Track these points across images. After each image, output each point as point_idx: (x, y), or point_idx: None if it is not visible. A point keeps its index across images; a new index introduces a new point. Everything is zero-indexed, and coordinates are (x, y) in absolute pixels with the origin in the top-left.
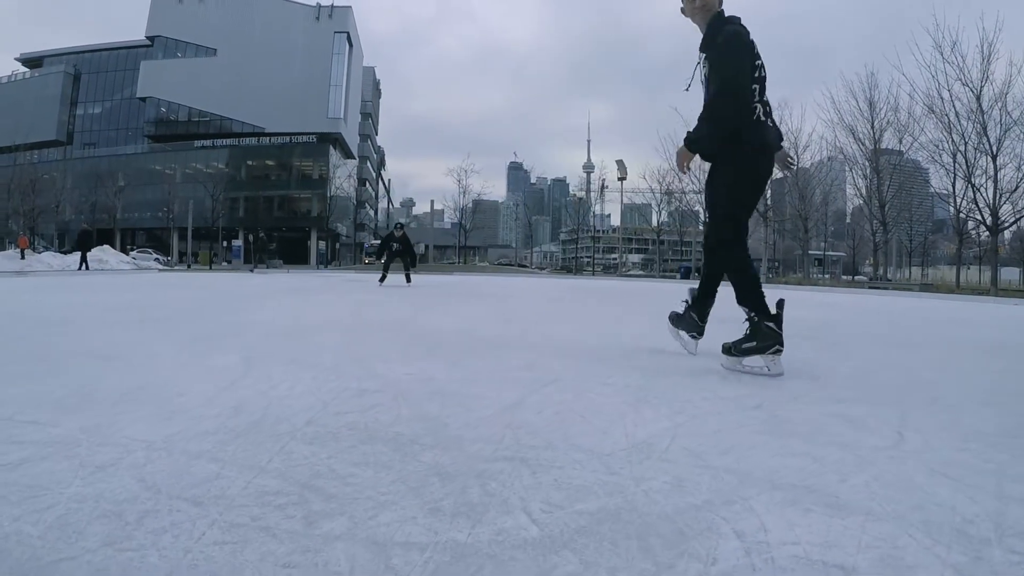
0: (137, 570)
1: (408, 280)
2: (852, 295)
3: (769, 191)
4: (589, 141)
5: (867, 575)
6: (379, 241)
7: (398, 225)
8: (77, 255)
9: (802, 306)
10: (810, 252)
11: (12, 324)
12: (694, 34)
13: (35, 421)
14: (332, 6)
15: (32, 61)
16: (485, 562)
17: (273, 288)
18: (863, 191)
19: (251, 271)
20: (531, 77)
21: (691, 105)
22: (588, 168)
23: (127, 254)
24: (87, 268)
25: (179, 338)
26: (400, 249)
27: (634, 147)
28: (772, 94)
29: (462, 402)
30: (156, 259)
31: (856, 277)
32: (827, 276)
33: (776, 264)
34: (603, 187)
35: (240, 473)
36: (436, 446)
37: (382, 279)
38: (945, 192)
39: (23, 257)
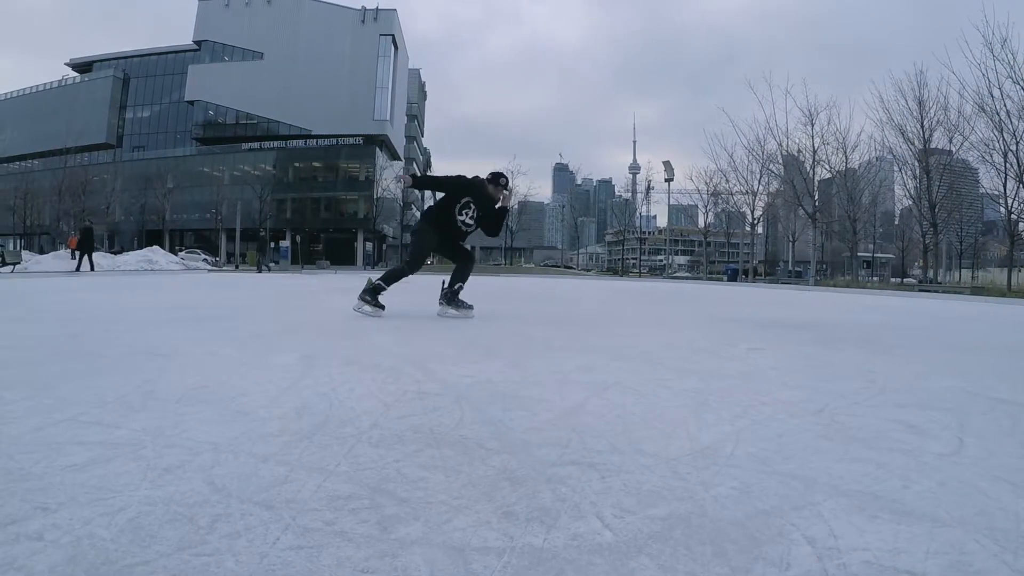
0: (214, 575)
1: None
2: (902, 298)
3: (817, 192)
4: (635, 142)
5: None
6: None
7: None
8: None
9: (855, 309)
10: (859, 254)
11: (66, 322)
12: (736, 32)
13: (99, 421)
14: (377, 9)
15: (82, 66)
16: (565, 567)
17: (324, 288)
18: (912, 192)
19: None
20: (577, 78)
21: (736, 105)
22: (634, 169)
23: (176, 255)
24: (92, 268)
25: (237, 336)
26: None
27: (680, 147)
28: (818, 92)
29: (524, 405)
30: (204, 260)
31: (905, 280)
32: (876, 279)
33: (824, 267)
34: (649, 188)
35: (309, 476)
36: (503, 450)
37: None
38: (996, 193)
39: (74, 256)
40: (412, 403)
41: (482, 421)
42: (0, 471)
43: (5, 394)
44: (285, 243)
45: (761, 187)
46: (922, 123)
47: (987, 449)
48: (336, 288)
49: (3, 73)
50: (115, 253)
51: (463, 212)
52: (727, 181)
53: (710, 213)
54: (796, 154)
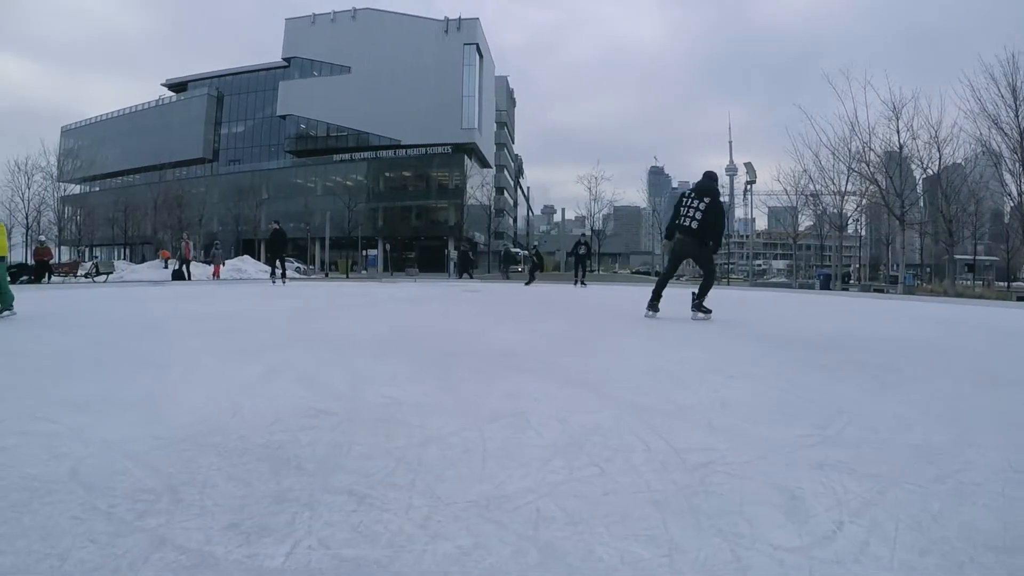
0: (11, 524)
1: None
2: (986, 308)
3: (916, 190)
4: (730, 143)
5: None
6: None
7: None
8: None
9: (915, 322)
10: (958, 257)
11: (104, 331)
12: (818, 28)
13: (47, 418)
14: (460, 19)
15: (177, 86)
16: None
17: (383, 297)
18: (1012, 188)
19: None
20: (659, 79)
21: (819, 102)
22: (730, 171)
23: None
24: (284, 277)
25: (230, 348)
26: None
27: (767, 148)
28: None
29: (393, 430)
30: (297, 268)
31: (1013, 284)
32: (980, 283)
33: (927, 270)
34: (745, 191)
35: (139, 471)
36: (311, 472)
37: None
38: None
39: (166, 267)
40: (300, 420)
41: (334, 443)
42: None
43: (4, 393)
44: (374, 251)
45: (851, 186)
46: (1016, 112)
47: (860, 550)
48: (392, 298)
49: (106, 96)
50: (208, 262)
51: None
52: (813, 182)
53: (801, 215)
54: (892, 150)
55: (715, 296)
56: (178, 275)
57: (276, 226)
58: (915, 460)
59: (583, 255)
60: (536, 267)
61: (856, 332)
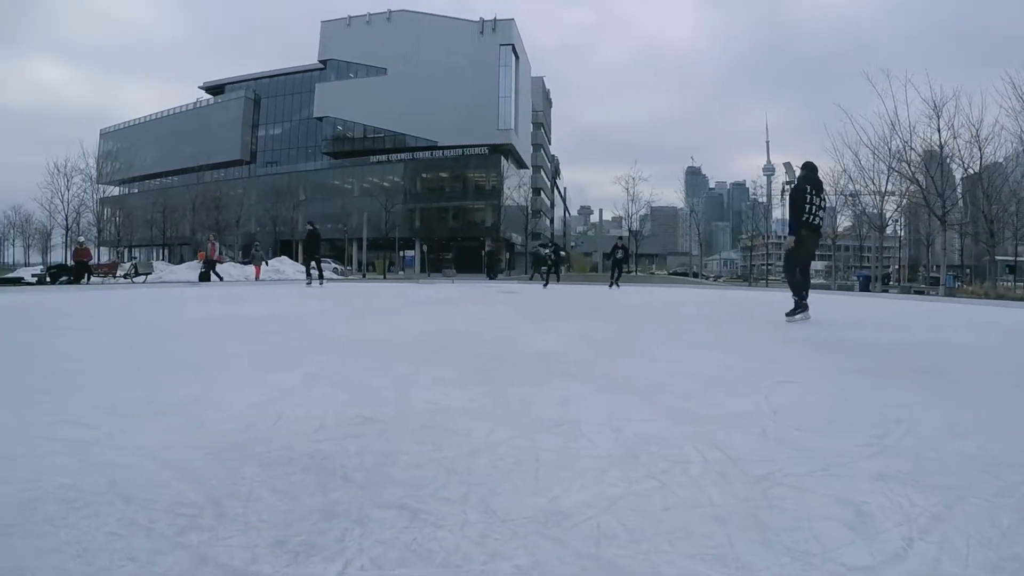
0: (44, 538)
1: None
2: None
3: (957, 190)
4: (768, 142)
5: None
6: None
7: (554, 245)
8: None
9: (959, 326)
10: (999, 258)
11: (141, 333)
12: (853, 22)
13: (84, 423)
14: (495, 20)
15: (214, 88)
16: None
17: (422, 298)
18: None
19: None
20: (694, 79)
21: (857, 101)
22: (768, 171)
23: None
24: (321, 278)
25: (268, 352)
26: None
27: (805, 147)
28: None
29: (442, 438)
30: (334, 268)
31: None
32: (1020, 285)
33: (967, 271)
34: (783, 191)
35: (179, 483)
36: (359, 483)
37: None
38: None
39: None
40: (346, 427)
41: (380, 452)
42: None
43: (40, 397)
44: (411, 252)
45: (891, 186)
46: None
47: (931, 563)
48: (430, 299)
49: (143, 100)
50: (245, 263)
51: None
52: (853, 182)
53: (840, 216)
54: (933, 149)
55: (756, 299)
56: (204, 277)
57: (311, 227)
58: (976, 471)
59: (620, 259)
60: (555, 267)
61: (903, 338)
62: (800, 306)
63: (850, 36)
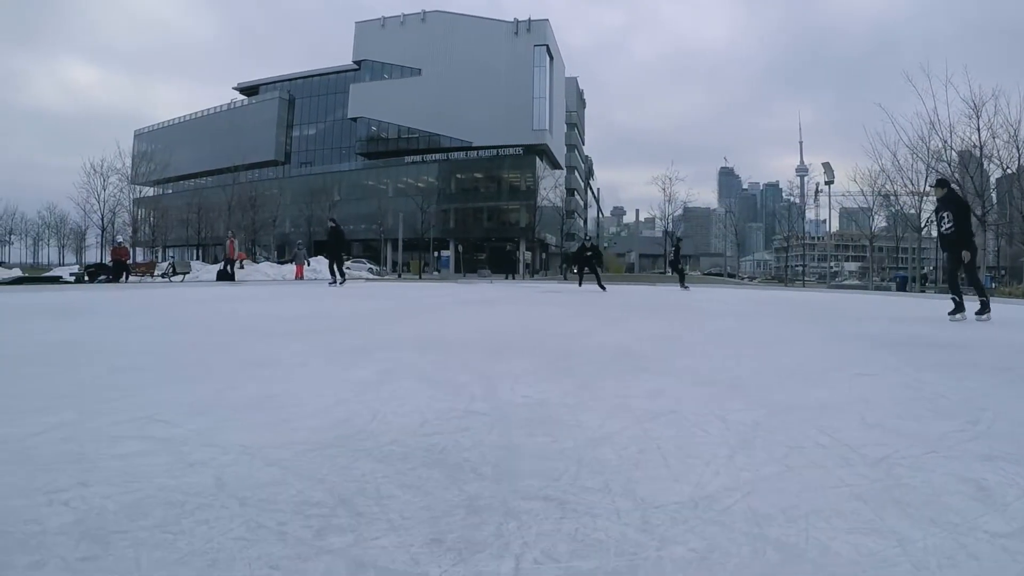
0: (165, 549)
1: (601, 287)
2: None
3: (993, 191)
4: (801, 142)
5: None
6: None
7: (587, 239)
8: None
9: (1012, 325)
10: None
11: (197, 331)
12: (887, 20)
13: (166, 421)
14: (529, 20)
15: (249, 89)
16: None
17: (467, 298)
18: None
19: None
20: (727, 79)
21: (895, 100)
22: (801, 171)
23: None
24: (342, 278)
25: (333, 349)
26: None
27: (841, 147)
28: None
29: (553, 431)
30: (369, 268)
31: None
32: None
33: (1002, 273)
34: (817, 191)
35: (297, 482)
36: (490, 477)
37: (579, 283)
38: None
39: (242, 267)
40: (450, 421)
41: (499, 446)
42: (67, 454)
43: (109, 393)
44: (447, 252)
45: (929, 187)
46: None
47: None
48: (476, 299)
49: (178, 100)
50: (283, 263)
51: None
52: (892, 182)
53: (877, 216)
54: (971, 149)
55: (797, 299)
56: (223, 275)
57: (333, 224)
58: None
59: (588, 257)
60: (588, 263)
61: (959, 336)
62: (959, 306)
63: (882, 35)
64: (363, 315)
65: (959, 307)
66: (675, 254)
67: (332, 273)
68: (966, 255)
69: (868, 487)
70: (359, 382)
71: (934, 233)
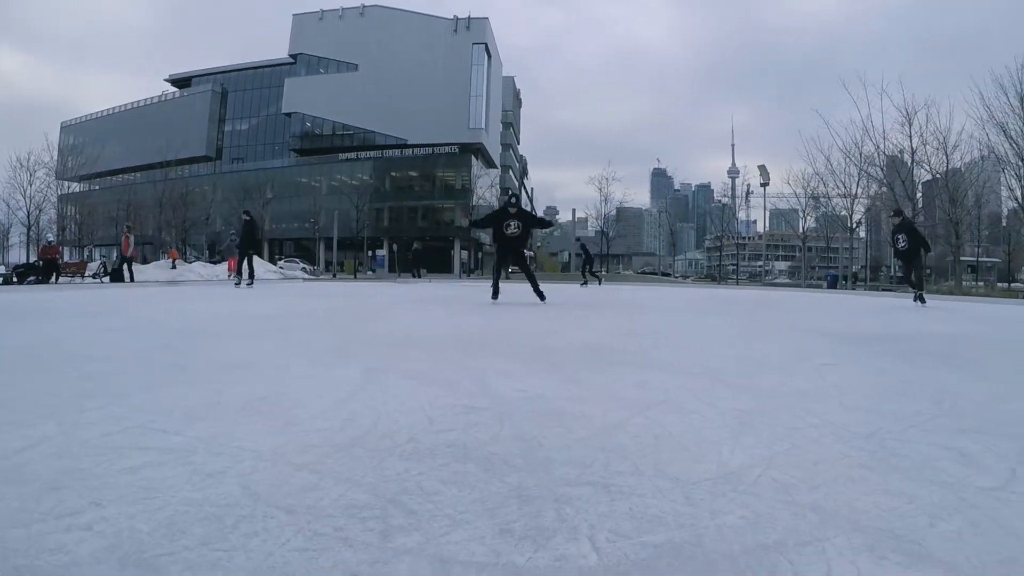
0: (223, 569)
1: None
2: (1005, 306)
3: (920, 194)
4: (733, 145)
5: None
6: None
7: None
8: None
9: (951, 319)
10: (962, 259)
11: (159, 333)
12: (829, 31)
13: (163, 429)
14: (469, 18)
15: (180, 81)
16: None
17: (416, 297)
18: (1017, 193)
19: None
20: (667, 82)
21: (832, 106)
22: (732, 173)
23: (275, 264)
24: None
25: (310, 349)
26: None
27: (776, 151)
28: (916, 90)
29: (564, 422)
30: (303, 268)
31: (1012, 285)
32: (981, 284)
33: (928, 272)
34: (748, 193)
35: (335, 486)
36: (525, 468)
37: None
38: None
39: (174, 267)
40: (456, 417)
41: (516, 438)
42: (67, 471)
43: (86, 402)
44: (382, 252)
45: (860, 190)
46: None
47: None
48: (426, 298)
49: (106, 92)
50: (215, 262)
51: (507, 228)
52: (824, 185)
53: (809, 217)
54: (898, 154)
55: (739, 296)
56: (117, 276)
57: (247, 217)
58: None
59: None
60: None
61: (904, 329)
62: (919, 297)
63: (824, 44)
64: (323, 315)
65: (919, 297)
66: (585, 257)
67: (240, 272)
68: (924, 256)
69: (868, 458)
70: (349, 381)
71: (862, 234)
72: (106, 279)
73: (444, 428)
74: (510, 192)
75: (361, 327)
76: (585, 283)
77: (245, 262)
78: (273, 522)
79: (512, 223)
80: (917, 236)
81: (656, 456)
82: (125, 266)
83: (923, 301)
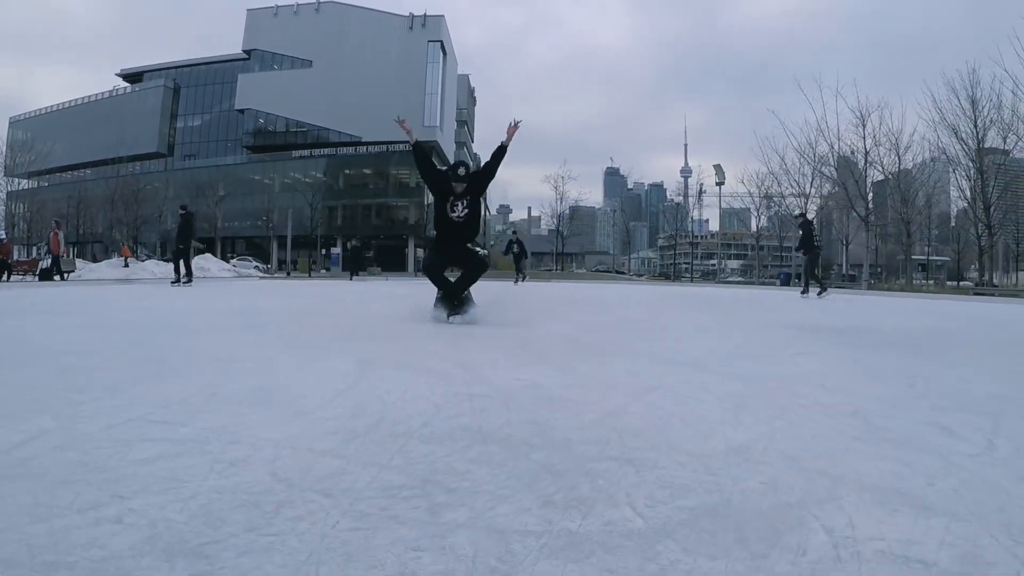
0: (279, 552)
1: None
2: (956, 303)
3: (871, 194)
4: (686, 145)
5: (947, 570)
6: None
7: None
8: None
9: (906, 313)
10: (913, 257)
11: (126, 330)
12: (784, 33)
13: (165, 421)
14: (425, 16)
15: (132, 76)
16: (596, 548)
17: (378, 295)
18: (967, 193)
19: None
20: (622, 82)
21: (787, 107)
22: (685, 173)
23: (228, 262)
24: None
25: (289, 343)
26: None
27: (730, 150)
28: (869, 93)
29: (568, 407)
30: (256, 267)
31: (961, 283)
32: (931, 282)
33: (879, 270)
34: (701, 192)
35: (364, 469)
36: (546, 447)
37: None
38: None
39: (127, 265)
40: (461, 404)
41: (527, 421)
42: (77, 464)
43: (77, 396)
44: (336, 250)
45: (813, 190)
46: (975, 122)
47: (1017, 451)
48: (388, 295)
49: (56, 86)
50: (167, 261)
51: (454, 209)
52: (778, 184)
53: (762, 217)
54: (849, 155)
55: (697, 294)
56: (46, 275)
57: (184, 211)
58: (1003, 404)
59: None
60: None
61: (865, 322)
62: (821, 288)
63: (779, 46)
64: (295, 311)
65: (821, 288)
66: (517, 252)
67: (177, 270)
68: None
69: (859, 432)
70: (344, 373)
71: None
72: (57, 278)
73: (453, 414)
74: (457, 162)
75: (331, 322)
76: (519, 280)
77: (181, 261)
78: (315, 505)
79: (459, 203)
80: (806, 237)
81: (666, 435)
82: (56, 266)
83: (807, 293)
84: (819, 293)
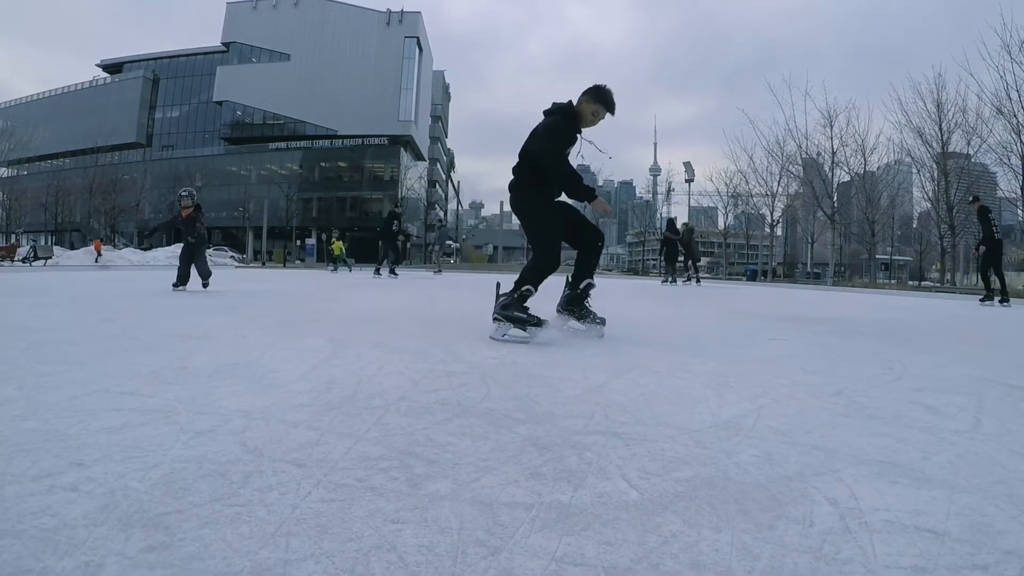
0: (245, 523)
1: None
2: (919, 298)
3: (836, 195)
4: (655, 144)
5: (960, 539)
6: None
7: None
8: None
9: (873, 307)
10: (877, 257)
11: (98, 309)
12: (776, 35)
13: (132, 392)
14: (402, 12)
15: (112, 67)
16: (592, 520)
17: (351, 282)
18: (930, 195)
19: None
20: (613, 79)
21: (767, 108)
22: (654, 171)
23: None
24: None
25: (262, 323)
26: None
27: (708, 149)
28: (839, 93)
29: (548, 383)
30: (232, 257)
31: (923, 283)
32: (893, 281)
33: (843, 268)
34: (669, 190)
35: (340, 440)
36: (529, 420)
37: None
38: (1014, 196)
39: (97, 260)
40: (439, 380)
41: (509, 396)
42: (35, 432)
43: (43, 368)
44: (312, 241)
45: (780, 189)
46: (940, 126)
47: (1004, 428)
48: (360, 283)
49: (36, 76)
50: (144, 249)
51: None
52: (747, 182)
53: (730, 215)
54: (815, 156)
55: (662, 287)
56: None
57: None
58: (983, 384)
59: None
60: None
61: (834, 314)
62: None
63: (769, 46)
64: (268, 295)
65: (994, 295)
66: (438, 235)
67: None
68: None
69: (845, 410)
70: (317, 350)
71: (779, 232)
72: (37, 263)
73: (431, 389)
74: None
75: (306, 305)
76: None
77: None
78: (286, 476)
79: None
80: (986, 228)
81: (651, 410)
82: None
83: (992, 300)
84: (1001, 301)
